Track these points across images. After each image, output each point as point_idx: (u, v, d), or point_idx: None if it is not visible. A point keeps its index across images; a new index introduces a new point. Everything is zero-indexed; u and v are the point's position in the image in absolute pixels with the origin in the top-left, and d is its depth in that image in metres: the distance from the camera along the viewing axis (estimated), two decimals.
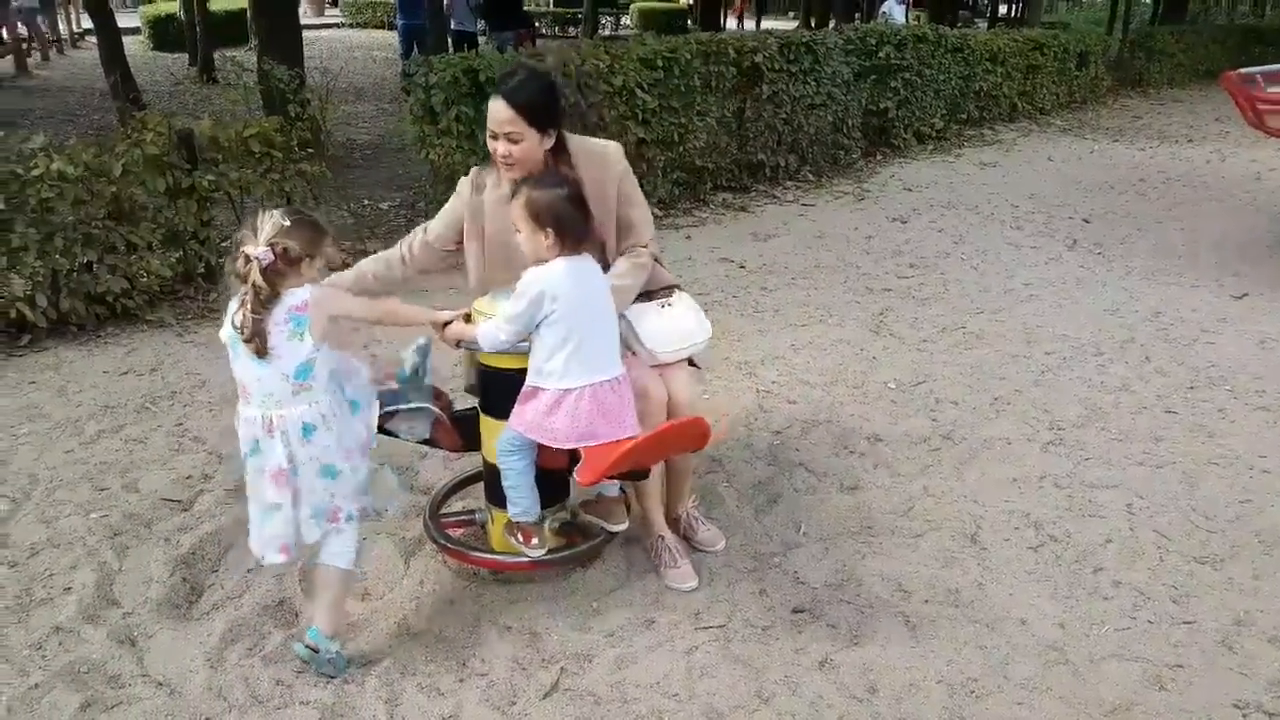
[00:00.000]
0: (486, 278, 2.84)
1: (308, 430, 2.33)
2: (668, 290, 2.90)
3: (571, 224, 2.42)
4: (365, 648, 2.56)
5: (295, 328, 2.28)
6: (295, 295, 2.29)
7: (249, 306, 2.25)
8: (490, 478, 2.82)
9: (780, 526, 3.17)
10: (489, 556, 2.84)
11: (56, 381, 4.18)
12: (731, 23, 24.42)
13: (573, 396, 2.42)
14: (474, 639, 2.60)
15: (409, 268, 2.96)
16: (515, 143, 2.62)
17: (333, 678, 2.43)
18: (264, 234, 2.26)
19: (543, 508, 2.66)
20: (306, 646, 2.42)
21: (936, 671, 2.50)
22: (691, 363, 2.96)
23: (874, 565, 2.96)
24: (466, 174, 2.93)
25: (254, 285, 2.24)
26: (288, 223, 2.29)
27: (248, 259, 2.25)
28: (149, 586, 2.79)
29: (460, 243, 2.90)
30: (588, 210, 2.49)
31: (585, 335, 2.43)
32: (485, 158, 2.83)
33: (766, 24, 25.57)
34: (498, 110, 2.61)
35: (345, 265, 2.94)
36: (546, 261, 2.44)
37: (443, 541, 2.84)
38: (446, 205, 2.94)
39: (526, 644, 2.58)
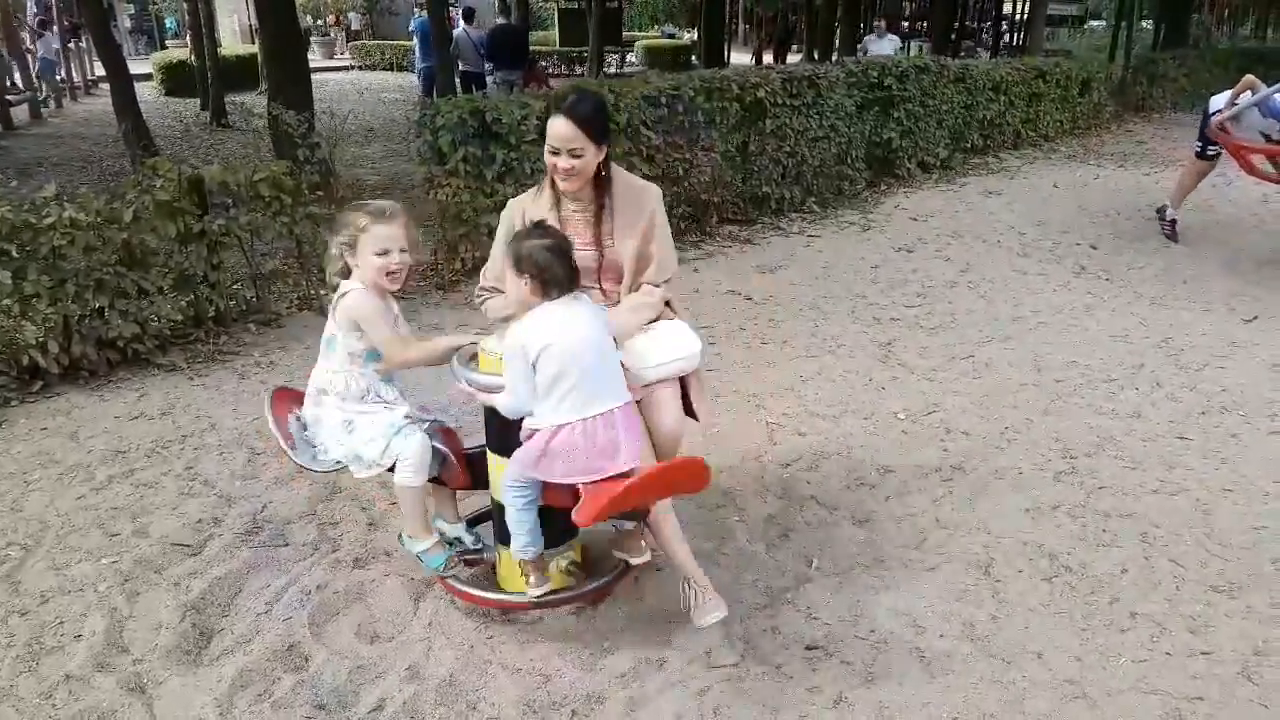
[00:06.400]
0: None
1: (321, 392, 2.76)
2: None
3: (553, 272, 2.50)
4: (374, 691, 2.55)
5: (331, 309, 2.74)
6: (343, 285, 2.72)
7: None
8: (499, 516, 2.82)
9: (792, 561, 3.15)
10: (499, 597, 2.83)
11: (68, 427, 4.20)
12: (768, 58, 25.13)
13: (564, 432, 2.45)
14: (484, 681, 2.59)
15: None
16: (577, 157, 2.78)
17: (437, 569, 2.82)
18: None
19: (550, 546, 2.68)
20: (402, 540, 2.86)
21: (952, 709, 2.48)
22: (685, 390, 2.91)
23: (887, 600, 2.94)
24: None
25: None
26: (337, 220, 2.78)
27: None
28: (159, 633, 2.78)
29: None
30: (572, 261, 2.57)
31: (576, 372, 2.45)
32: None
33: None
34: (562, 128, 2.75)
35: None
36: (527, 306, 2.54)
37: (453, 582, 2.84)
38: (496, 246, 3.01)
39: (537, 686, 2.57)
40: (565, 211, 2.91)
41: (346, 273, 2.74)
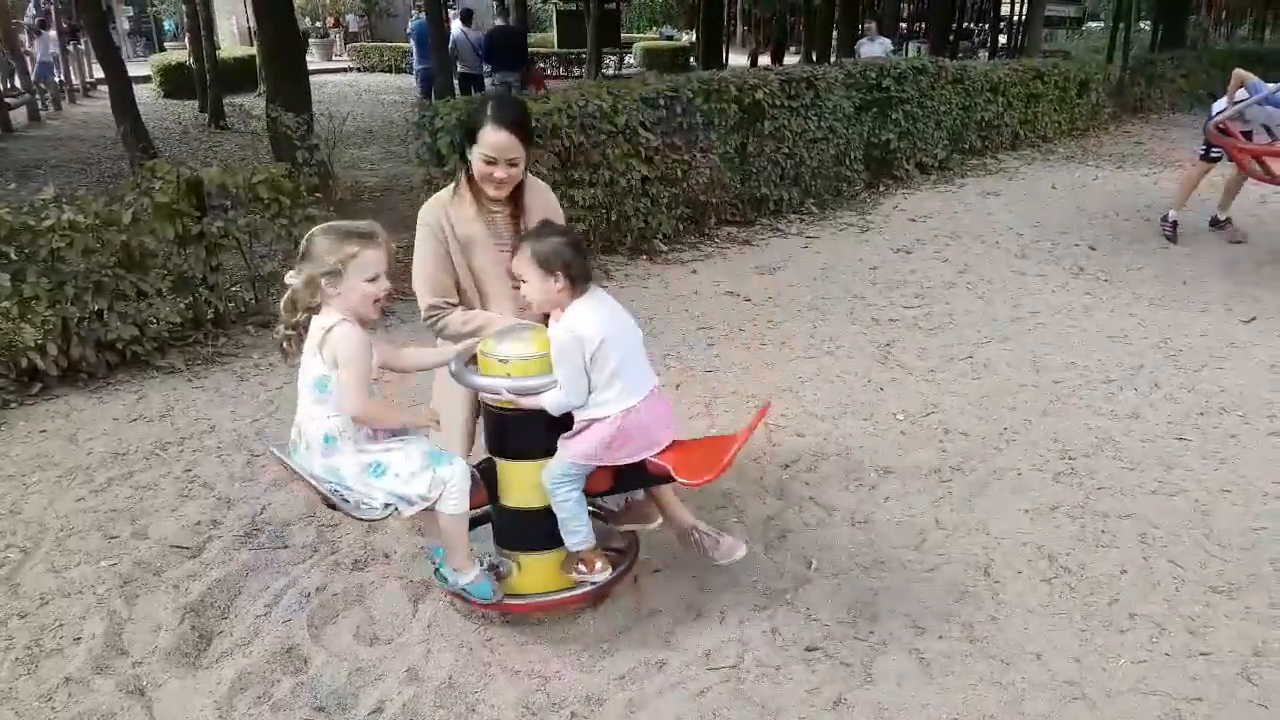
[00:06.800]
0: (481, 288, 3.02)
1: (329, 440, 2.52)
2: None
3: (578, 266, 2.55)
4: (373, 693, 2.55)
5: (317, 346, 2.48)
6: (322, 319, 2.47)
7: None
8: (504, 523, 2.81)
9: (791, 562, 3.15)
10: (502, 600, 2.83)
11: (67, 429, 4.20)
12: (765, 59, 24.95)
13: (632, 414, 2.54)
14: (483, 683, 2.59)
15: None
16: (514, 165, 2.85)
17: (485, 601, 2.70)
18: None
19: (557, 545, 2.71)
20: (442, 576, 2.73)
21: (952, 710, 2.48)
22: None
23: (886, 600, 2.94)
24: None
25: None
26: (304, 247, 2.48)
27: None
28: (158, 635, 2.78)
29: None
30: (585, 252, 2.62)
31: (625, 358, 2.53)
32: None
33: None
34: (500, 138, 2.80)
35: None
36: (558, 304, 2.56)
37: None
38: (427, 257, 2.98)
39: (536, 688, 2.57)
40: (488, 214, 2.95)
41: (316, 305, 2.48)
